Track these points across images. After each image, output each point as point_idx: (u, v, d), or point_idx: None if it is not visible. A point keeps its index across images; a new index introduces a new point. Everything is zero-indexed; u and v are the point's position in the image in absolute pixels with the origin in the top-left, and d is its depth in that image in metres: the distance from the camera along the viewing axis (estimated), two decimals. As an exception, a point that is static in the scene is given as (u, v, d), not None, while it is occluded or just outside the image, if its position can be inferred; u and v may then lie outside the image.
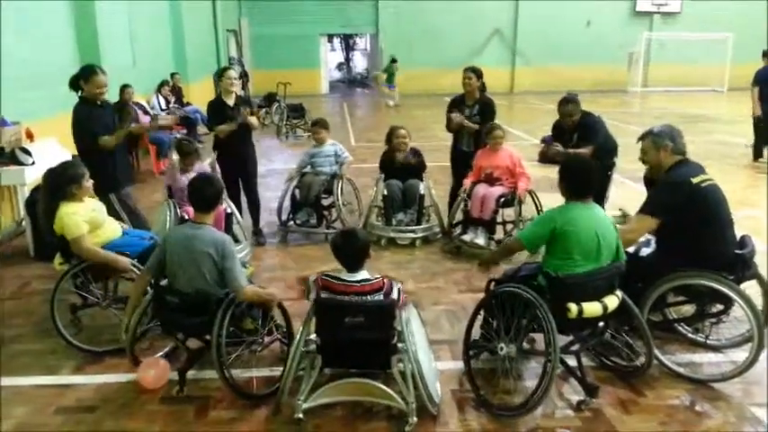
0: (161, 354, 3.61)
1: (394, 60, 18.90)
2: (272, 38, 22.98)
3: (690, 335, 3.78)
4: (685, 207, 3.35)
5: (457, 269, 5.20)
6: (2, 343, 3.94)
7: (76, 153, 4.77)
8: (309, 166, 6.19)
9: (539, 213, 5.42)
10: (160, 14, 13.38)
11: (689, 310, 3.68)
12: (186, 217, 4.69)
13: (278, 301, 3.42)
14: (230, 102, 5.66)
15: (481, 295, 3.57)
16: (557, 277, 3.07)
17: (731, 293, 3.23)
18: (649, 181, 3.79)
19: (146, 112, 9.57)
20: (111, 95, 5.23)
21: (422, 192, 5.82)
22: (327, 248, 3.41)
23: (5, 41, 6.35)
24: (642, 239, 3.70)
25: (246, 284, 3.20)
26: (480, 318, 3.46)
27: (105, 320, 3.98)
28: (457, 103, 5.94)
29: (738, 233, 3.52)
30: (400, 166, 5.89)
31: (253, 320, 3.38)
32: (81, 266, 3.74)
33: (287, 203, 6.14)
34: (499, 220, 5.56)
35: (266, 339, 3.45)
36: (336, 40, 34.76)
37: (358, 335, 2.91)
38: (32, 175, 5.53)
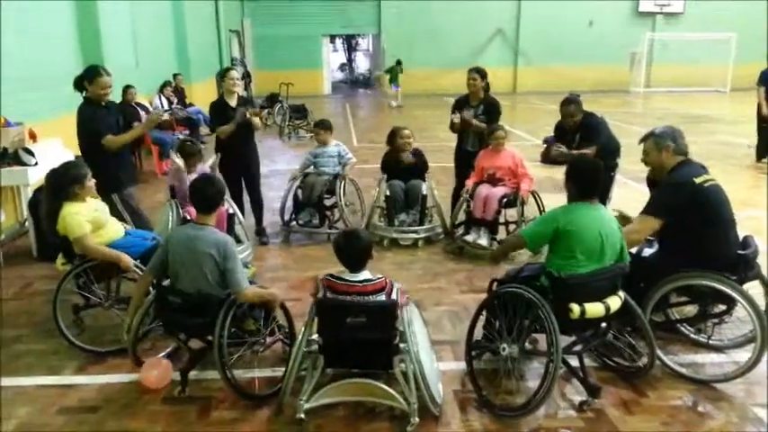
0: (163, 354, 3.62)
1: (399, 62, 18.92)
2: (275, 38, 23.02)
3: (692, 335, 3.77)
4: (688, 207, 3.35)
5: (459, 270, 5.20)
6: (1, 343, 3.94)
7: (79, 154, 4.77)
8: (312, 167, 6.20)
9: (541, 214, 5.41)
10: (163, 15, 13.42)
11: (691, 310, 3.67)
12: (188, 217, 4.70)
13: (280, 302, 3.42)
14: (233, 102, 5.67)
15: (483, 296, 3.58)
16: (559, 277, 3.07)
17: (734, 294, 3.22)
18: (652, 182, 3.78)
19: (148, 113, 9.58)
20: (115, 96, 5.23)
21: (424, 192, 5.81)
22: (330, 249, 3.41)
23: (8, 42, 6.36)
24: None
25: (248, 286, 3.20)
26: (483, 318, 3.46)
27: (108, 321, 3.99)
28: (461, 104, 5.93)
29: (741, 234, 3.51)
30: (405, 167, 5.89)
31: (254, 321, 3.39)
32: (83, 266, 3.75)
33: (290, 203, 6.15)
34: (502, 220, 5.56)
35: (268, 340, 3.45)
36: (339, 41, 34.78)
37: (360, 335, 2.91)
38: (35, 176, 5.54)
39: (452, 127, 5.97)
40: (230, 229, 4.83)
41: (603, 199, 5.02)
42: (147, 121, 5.08)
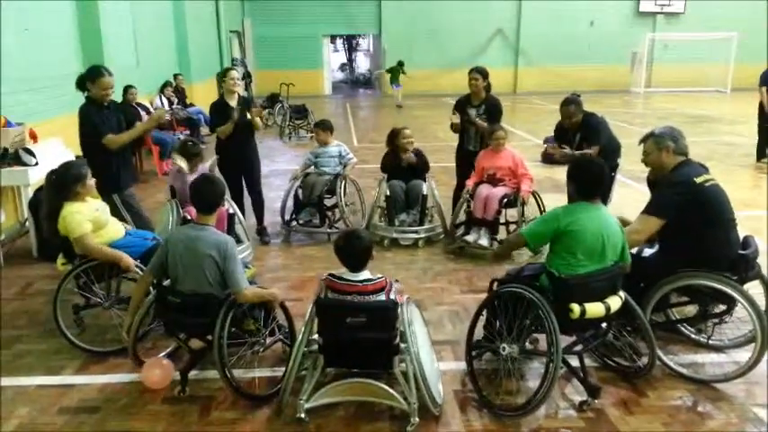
0: (164, 354, 3.62)
1: (401, 63, 18.94)
2: (275, 39, 23.02)
3: (692, 335, 3.78)
4: (688, 207, 3.35)
5: (460, 269, 5.20)
6: (2, 343, 3.95)
7: (79, 154, 4.78)
8: (313, 167, 6.21)
9: (541, 214, 5.41)
10: (163, 15, 13.43)
11: (692, 310, 3.67)
12: (189, 217, 4.70)
13: (280, 302, 3.43)
14: (233, 103, 5.67)
15: (484, 296, 3.58)
16: (560, 278, 3.07)
17: (734, 294, 3.22)
18: (652, 183, 3.78)
19: (149, 113, 9.59)
20: (115, 96, 5.23)
21: (424, 192, 5.82)
22: (330, 249, 3.41)
23: (8, 42, 6.36)
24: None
25: (247, 286, 3.20)
26: (483, 318, 3.46)
27: (108, 321, 3.99)
28: (462, 104, 5.94)
29: (741, 234, 3.51)
30: (405, 167, 5.89)
31: (254, 321, 3.39)
32: (84, 266, 3.75)
33: (290, 203, 6.15)
34: (502, 220, 5.56)
35: (268, 340, 3.45)
36: (339, 41, 34.81)
37: (360, 335, 2.91)
38: (36, 176, 5.54)
39: (453, 127, 5.98)
40: (230, 229, 4.84)
41: (605, 199, 5.01)
42: (149, 119, 5.08)
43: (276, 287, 4.08)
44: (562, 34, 23.16)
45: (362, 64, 35.55)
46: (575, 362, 3.28)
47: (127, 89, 9.14)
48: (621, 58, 23.72)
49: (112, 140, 4.58)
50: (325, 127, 6.27)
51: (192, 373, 3.42)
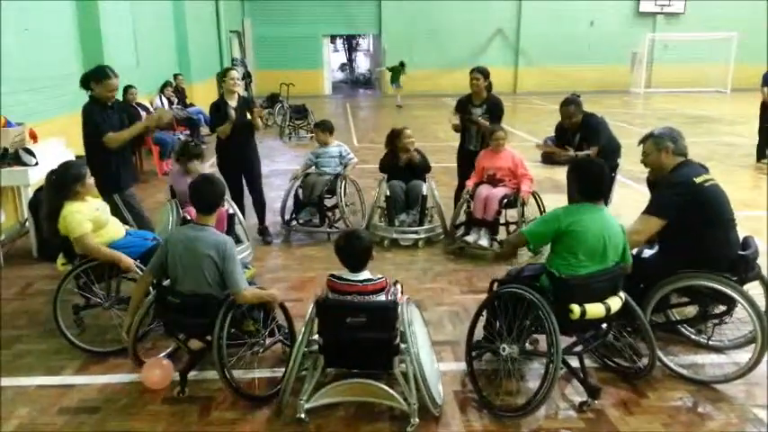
0: (164, 354, 3.62)
1: (402, 64, 18.98)
2: (275, 39, 23.03)
3: (692, 336, 3.78)
4: (688, 207, 3.35)
5: (460, 270, 5.20)
6: (2, 343, 3.95)
7: (79, 153, 4.78)
8: (314, 167, 6.21)
9: (542, 214, 5.42)
10: (163, 15, 13.43)
11: (692, 311, 3.67)
12: (188, 218, 4.70)
13: (279, 302, 3.43)
14: (233, 103, 5.67)
15: (484, 296, 3.58)
16: (560, 278, 3.07)
17: (734, 294, 3.22)
18: (652, 183, 3.78)
19: (149, 113, 9.59)
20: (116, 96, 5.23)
21: (424, 193, 5.82)
22: (330, 249, 3.41)
23: (8, 42, 6.36)
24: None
25: (246, 286, 3.20)
26: (483, 318, 3.46)
27: (108, 321, 3.99)
28: (464, 104, 5.94)
29: (741, 234, 3.51)
30: (406, 167, 5.89)
31: (254, 322, 3.39)
32: (84, 267, 3.75)
33: (290, 203, 6.16)
34: (502, 221, 5.56)
35: (268, 341, 3.45)
36: (339, 41, 34.81)
37: (360, 335, 2.91)
38: (36, 176, 5.54)
39: (454, 127, 5.98)
40: (230, 230, 4.84)
41: (605, 199, 5.02)
42: (148, 117, 5.07)
43: (276, 287, 4.08)
44: (562, 34, 23.18)
45: (362, 64, 35.56)
46: (575, 362, 3.28)
47: (127, 89, 9.14)
48: (621, 59, 23.74)
49: (112, 138, 4.58)
50: (325, 128, 6.27)
51: (192, 374, 3.42)
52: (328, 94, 24.24)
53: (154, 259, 3.33)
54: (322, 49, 24.17)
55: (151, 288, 3.39)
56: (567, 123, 5.49)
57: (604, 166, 3.29)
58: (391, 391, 3.01)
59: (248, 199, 5.99)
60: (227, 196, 5.03)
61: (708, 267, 3.29)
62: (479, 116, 5.80)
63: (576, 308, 2.96)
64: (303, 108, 12.99)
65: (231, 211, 5.01)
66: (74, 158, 4.97)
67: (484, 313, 3.43)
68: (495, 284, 3.47)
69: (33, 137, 6.17)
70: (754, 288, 3.41)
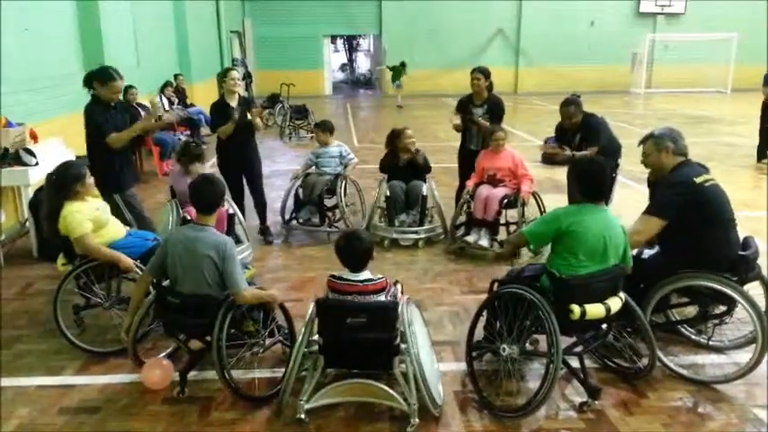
0: (164, 354, 3.62)
1: (403, 64, 19.02)
2: (276, 39, 23.03)
3: (693, 336, 3.78)
4: (688, 207, 3.35)
5: (460, 270, 5.20)
6: (2, 343, 3.95)
7: (79, 154, 4.78)
8: (314, 167, 6.21)
9: (542, 215, 5.42)
10: (164, 15, 13.42)
11: (692, 311, 3.67)
12: (188, 218, 4.70)
13: (279, 302, 3.42)
14: (233, 103, 5.68)
15: (484, 296, 3.58)
16: (560, 278, 3.07)
17: (734, 295, 3.22)
18: (653, 184, 3.78)
19: (148, 113, 9.58)
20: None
21: (424, 193, 5.82)
22: (331, 249, 3.41)
23: (9, 42, 6.36)
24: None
25: (246, 287, 3.20)
26: (483, 319, 3.46)
27: (108, 321, 3.99)
28: (465, 104, 5.95)
29: (741, 234, 3.51)
30: (406, 167, 5.89)
31: (254, 322, 3.39)
32: (84, 267, 3.75)
33: (290, 203, 6.16)
34: (502, 221, 5.56)
35: (267, 341, 3.45)
36: (339, 41, 34.80)
37: (360, 335, 2.91)
38: (36, 176, 5.54)
39: (456, 127, 6.00)
40: (230, 230, 4.84)
41: (606, 200, 5.02)
42: (148, 118, 5.06)
43: (276, 288, 4.09)
44: (562, 34, 23.18)
45: (363, 64, 35.54)
46: (575, 363, 3.28)
47: (127, 89, 9.12)
48: (622, 59, 23.73)
49: (115, 139, 4.59)
50: (325, 128, 6.28)
51: (192, 374, 3.42)
52: (329, 95, 24.24)
53: (153, 259, 3.33)
54: (322, 49, 24.17)
55: (151, 288, 3.39)
56: (567, 124, 5.49)
57: (605, 165, 3.28)
58: (391, 391, 3.01)
59: (249, 199, 6.00)
60: (228, 196, 5.03)
61: (708, 267, 3.29)
62: (480, 116, 5.81)
63: (576, 308, 2.96)
64: (303, 108, 12.99)
65: (231, 212, 5.01)
66: (74, 158, 4.97)
67: (484, 313, 3.43)
68: (496, 285, 3.47)
69: (34, 137, 6.17)
70: (754, 288, 3.41)
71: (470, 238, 5.47)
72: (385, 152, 6.08)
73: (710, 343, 3.68)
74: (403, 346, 2.96)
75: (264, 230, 6.09)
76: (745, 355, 3.38)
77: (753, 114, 9.53)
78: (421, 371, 2.96)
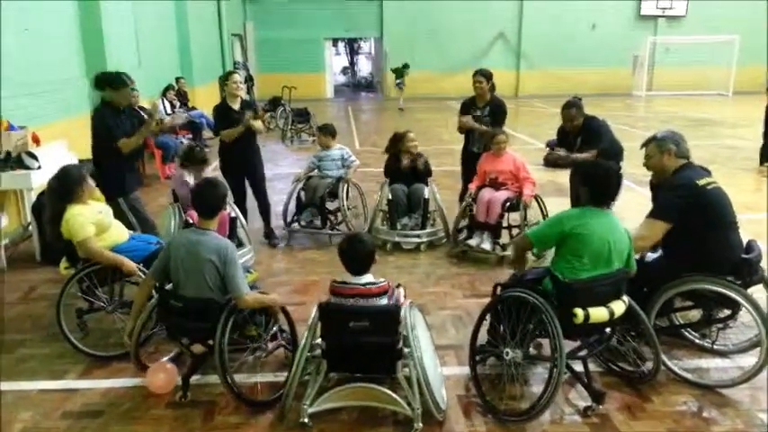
0: (167, 358, 3.61)
1: (406, 66, 19.09)
2: (277, 42, 23.04)
3: (697, 340, 3.77)
4: (690, 210, 3.34)
5: (462, 274, 5.20)
6: (5, 347, 3.95)
7: (81, 157, 4.79)
8: (317, 170, 6.22)
9: (544, 218, 5.43)
10: (165, 18, 13.43)
11: (696, 315, 3.67)
12: (191, 221, 4.70)
13: (281, 307, 3.42)
14: (236, 106, 5.68)
15: (487, 300, 3.57)
16: (564, 282, 3.06)
17: (738, 298, 3.21)
18: (655, 187, 3.78)
19: (151, 117, 9.57)
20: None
21: (426, 196, 5.82)
22: (333, 252, 3.42)
23: (9, 43, 6.35)
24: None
25: (248, 291, 3.20)
26: (486, 322, 3.45)
27: (111, 325, 3.99)
28: (467, 107, 5.97)
29: (744, 237, 3.50)
30: (407, 170, 5.89)
31: (256, 327, 3.38)
32: (87, 271, 3.75)
33: (292, 206, 6.16)
34: (505, 224, 5.55)
35: (270, 345, 3.45)
36: (341, 44, 34.83)
37: (363, 339, 2.91)
38: (39, 180, 5.54)
39: (460, 128, 6.02)
40: (232, 233, 4.84)
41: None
42: (150, 122, 5.05)
43: (278, 291, 4.08)
44: (563, 37, 23.16)
45: (364, 67, 35.55)
46: (579, 367, 3.28)
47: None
48: (623, 62, 23.71)
49: (126, 144, 4.61)
50: (327, 131, 6.30)
51: (195, 378, 3.42)
52: (330, 98, 24.25)
53: (156, 263, 3.33)
54: (324, 52, 24.17)
55: (154, 292, 3.39)
56: (568, 126, 5.49)
57: (610, 168, 3.27)
58: (394, 395, 3.00)
59: (251, 202, 6.00)
60: (230, 199, 5.03)
61: (711, 270, 3.28)
62: (477, 118, 5.82)
63: (579, 312, 2.95)
64: (305, 111, 12.99)
65: (233, 215, 5.01)
66: (76, 162, 4.98)
67: (487, 317, 3.42)
68: (499, 288, 3.46)
69: (36, 140, 6.18)
70: (758, 292, 3.40)
71: (473, 242, 5.46)
72: (387, 156, 6.08)
73: (715, 347, 3.66)
74: (406, 349, 2.96)
75: (269, 234, 6.09)
76: (749, 359, 3.37)
77: (755, 117, 9.53)
78: (424, 375, 2.96)
